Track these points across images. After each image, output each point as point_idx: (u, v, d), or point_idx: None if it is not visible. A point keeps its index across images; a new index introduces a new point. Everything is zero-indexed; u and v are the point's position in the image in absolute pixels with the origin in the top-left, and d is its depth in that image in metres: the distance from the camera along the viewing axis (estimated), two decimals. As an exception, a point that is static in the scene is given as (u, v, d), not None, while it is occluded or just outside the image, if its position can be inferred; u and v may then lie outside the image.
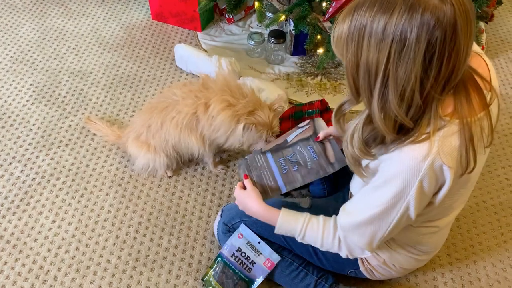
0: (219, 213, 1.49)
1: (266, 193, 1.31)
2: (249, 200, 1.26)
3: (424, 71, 0.86)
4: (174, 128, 1.56)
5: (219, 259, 1.43)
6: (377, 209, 1.02)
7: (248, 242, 1.41)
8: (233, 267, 1.40)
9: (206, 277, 1.43)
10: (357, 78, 0.93)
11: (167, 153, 1.65)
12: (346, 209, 1.12)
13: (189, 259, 1.52)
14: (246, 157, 1.45)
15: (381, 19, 0.84)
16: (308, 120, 1.45)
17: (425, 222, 1.17)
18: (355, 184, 1.26)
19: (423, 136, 0.93)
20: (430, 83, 0.87)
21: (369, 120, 0.99)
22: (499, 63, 2.31)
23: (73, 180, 1.74)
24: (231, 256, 1.41)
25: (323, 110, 1.76)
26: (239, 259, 1.41)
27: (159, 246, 1.55)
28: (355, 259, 1.33)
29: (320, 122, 1.42)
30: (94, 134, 1.90)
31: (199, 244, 1.56)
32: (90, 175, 1.76)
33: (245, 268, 1.40)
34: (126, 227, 1.60)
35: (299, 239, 1.18)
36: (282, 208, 1.21)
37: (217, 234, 1.48)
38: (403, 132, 0.95)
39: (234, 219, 1.43)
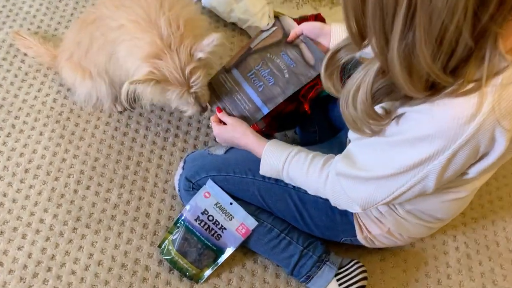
0: (181, 164, 1.16)
1: (248, 120, 1.10)
2: (236, 134, 1.06)
3: None
4: (98, 52, 1.17)
5: (180, 222, 1.13)
6: (383, 171, 0.76)
7: (217, 203, 1.10)
8: (198, 234, 1.11)
9: (164, 244, 1.14)
10: (363, 15, 0.60)
11: (106, 80, 1.26)
12: (348, 153, 0.86)
13: (145, 218, 1.22)
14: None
15: None
16: (273, 22, 1.13)
17: (448, 189, 0.88)
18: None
19: (470, 86, 0.61)
20: (490, 11, 0.53)
21: (381, 72, 0.66)
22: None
23: (-3, 115, 1.37)
24: (195, 220, 1.11)
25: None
26: (205, 223, 1.11)
27: (106, 201, 1.24)
28: (352, 226, 1.04)
29: (288, 20, 1.14)
30: (25, 55, 1.49)
31: (157, 200, 1.25)
32: (20, 108, 1.38)
33: (212, 235, 1.11)
34: (64, 177, 1.27)
35: (284, 175, 0.98)
36: (272, 140, 1.02)
37: (179, 190, 1.17)
38: (439, 86, 0.63)
39: (199, 174, 1.11)
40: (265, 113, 1.09)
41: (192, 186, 1.12)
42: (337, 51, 0.75)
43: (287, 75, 1.08)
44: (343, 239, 1.09)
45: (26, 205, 1.22)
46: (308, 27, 1.07)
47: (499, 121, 0.62)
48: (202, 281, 1.12)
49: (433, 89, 0.64)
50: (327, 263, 1.09)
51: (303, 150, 0.98)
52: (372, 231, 1.03)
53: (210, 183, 1.10)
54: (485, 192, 1.32)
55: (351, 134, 0.98)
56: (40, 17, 1.59)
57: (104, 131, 1.36)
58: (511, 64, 0.60)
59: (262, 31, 1.15)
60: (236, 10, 1.53)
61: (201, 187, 1.11)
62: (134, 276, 1.13)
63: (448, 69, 0.60)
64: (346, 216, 1.05)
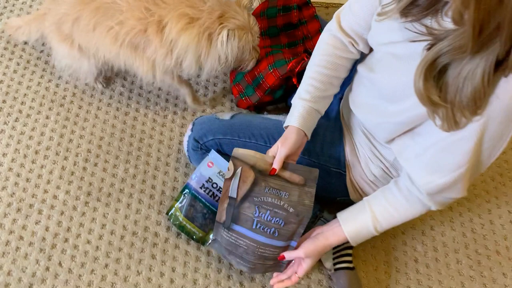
0: (190, 126, 1.24)
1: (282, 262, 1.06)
2: (319, 243, 1.01)
3: None
4: (111, 42, 1.24)
5: (186, 190, 1.22)
6: (477, 156, 0.81)
7: (220, 172, 1.20)
8: (203, 200, 1.21)
9: (171, 211, 1.23)
10: (492, 16, 0.63)
11: (93, 61, 1.34)
12: (422, 167, 0.89)
13: (151, 190, 1.31)
14: (212, 239, 1.09)
15: None
16: (232, 164, 1.01)
17: None
18: (365, 92, 1.05)
19: None
20: None
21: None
22: None
23: (3, 102, 1.44)
24: (200, 188, 1.20)
25: (302, 4, 1.46)
26: (210, 190, 1.21)
27: (114, 176, 1.33)
28: (345, 188, 1.15)
29: (243, 151, 1.02)
30: (26, 43, 1.55)
31: (161, 172, 1.34)
32: (25, 94, 1.46)
33: (217, 201, 1.21)
34: (73, 156, 1.35)
35: (379, 230, 0.99)
36: (339, 216, 1.03)
37: (187, 150, 1.25)
38: None
39: (206, 136, 1.20)
40: (295, 246, 1.02)
41: (200, 146, 1.21)
42: (437, 58, 0.70)
43: (291, 209, 1.00)
44: (338, 198, 1.20)
45: (39, 183, 1.30)
46: (289, 147, 1.00)
47: None
48: (208, 243, 1.22)
49: None
50: (321, 219, 1.20)
51: (372, 199, 1.00)
52: (366, 192, 1.13)
53: (213, 154, 1.19)
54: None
55: (355, 100, 1.07)
56: (36, 6, 1.65)
57: (107, 111, 1.44)
58: None
59: (228, 179, 1.01)
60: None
61: (208, 148, 1.20)
62: (145, 242, 1.23)
63: None
64: (341, 180, 1.14)
